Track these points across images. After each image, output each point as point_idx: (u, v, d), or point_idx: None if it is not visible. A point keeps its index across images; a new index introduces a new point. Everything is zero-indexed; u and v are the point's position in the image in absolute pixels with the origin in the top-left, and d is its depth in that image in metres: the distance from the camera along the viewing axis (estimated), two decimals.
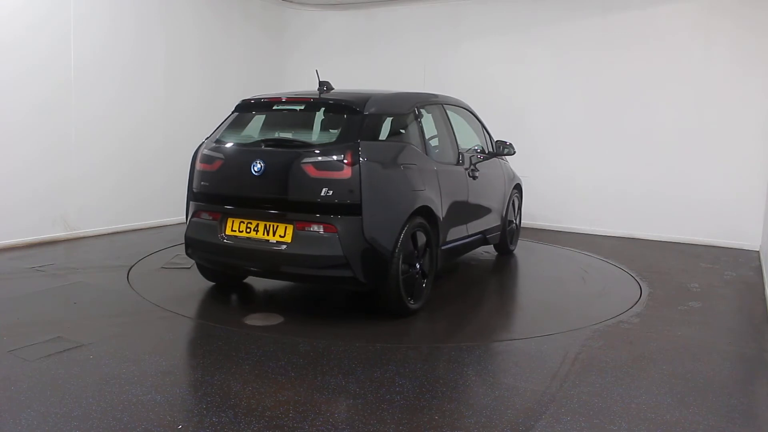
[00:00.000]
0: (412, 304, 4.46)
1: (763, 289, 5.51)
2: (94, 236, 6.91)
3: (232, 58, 8.72)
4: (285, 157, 4.24)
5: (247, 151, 4.44)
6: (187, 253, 4.80)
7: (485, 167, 5.82)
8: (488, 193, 5.89)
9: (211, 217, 4.50)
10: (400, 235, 4.25)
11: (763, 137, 7.16)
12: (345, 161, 4.06)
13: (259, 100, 4.84)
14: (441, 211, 4.78)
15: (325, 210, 4.07)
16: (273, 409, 2.97)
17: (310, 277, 4.32)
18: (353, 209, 4.04)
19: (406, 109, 4.85)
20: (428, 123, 5.21)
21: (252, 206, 4.33)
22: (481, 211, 5.77)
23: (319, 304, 4.92)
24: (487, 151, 6.03)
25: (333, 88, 4.99)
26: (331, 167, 4.08)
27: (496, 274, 6.03)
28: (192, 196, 4.69)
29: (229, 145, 4.60)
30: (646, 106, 7.70)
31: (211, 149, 4.62)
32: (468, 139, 5.98)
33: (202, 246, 4.58)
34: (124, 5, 7.13)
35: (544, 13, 8.22)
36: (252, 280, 5.33)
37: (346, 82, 8.91)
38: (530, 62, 8.35)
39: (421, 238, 4.53)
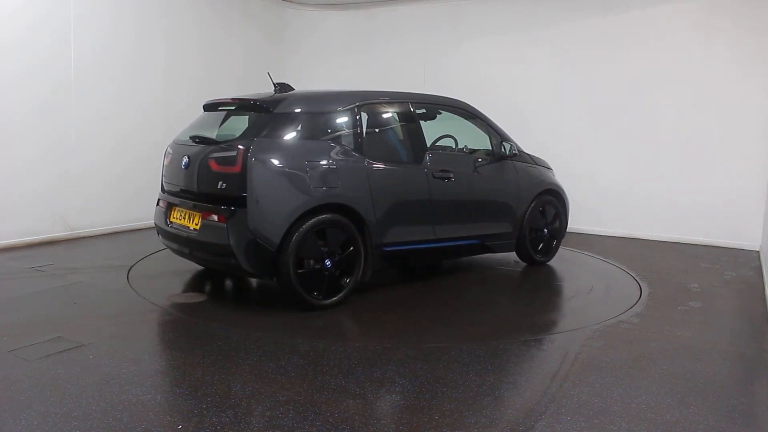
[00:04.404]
0: (320, 300, 4.54)
1: (763, 289, 5.51)
2: (94, 236, 6.91)
3: (232, 59, 8.72)
4: (199, 152, 4.66)
5: (182, 148, 4.93)
6: (159, 237, 5.23)
7: (486, 170, 5.65)
8: (484, 196, 5.66)
9: (164, 206, 5.05)
10: (292, 229, 4.36)
11: (763, 137, 7.16)
12: (237, 157, 4.35)
13: (213, 102, 5.26)
14: (372, 211, 4.77)
15: (221, 202, 4.43)
16: (273, 409, 2.97)
17: (211, 262, 4.79)
18: (241, 202, 4.31)
19: (337, 107, 4.86)
20: (378, 121, 5.14)
21: (181, 196, 4.85)
22: (470, 214, 5.55)
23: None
24: (495, 154, 5.76)
25: (292, 89, 5.20)
26: (226, 162, 4.42)
27: (496, 274, 6.01)
28: (160, 187, 5.26)
29: (177, 141, 5.12)
30: (646, 106, 7.70)
31: (170, 145, 5.19)
32: (464, 140, 5.93)
33: (159, 231, 5.12)
34: (124, 5, 7.13)
35: (544, 13, 8.22)
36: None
37: (347, 82, 8.94)
38: (530, 62, 8.35)
39: (337, 236, 4.58)
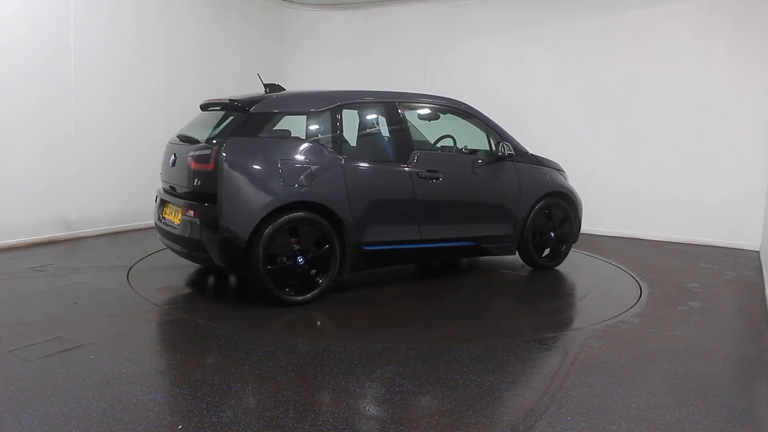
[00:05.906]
0: (293, 296, 4.61)
1: (763, 289, 5.51)
2: (94, 236, 6.91)
3: (232, 59, 8.72)
4: (183, 151, 4.79)
5: (172, 146, 5.08)
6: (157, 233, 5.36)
7: (483, 170, 5.56)
8: (479, 197, 5.55)
9: (158, 202, 5.20)
10: (262, 226, 4.45)
11: (763, 137, 7.16)
12: (210, 155, 4.49)
13: (207, 102, 5.35)
14: (350, 210, 4.79)
15: (196, 198, 4.60)
16: (273, 409, 2.97)
17: (189, 256, 4.87)
18: (213, 199, 4.46)
19: (315, 108, 4.90)
20: (359, 121, 5.21)
21: (170, 193, 5.01)
22: (463, 215, 5.47)
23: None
24: (493, 154, 5.65)
25: (282, 90, 5.29)
26: (201, 160, 4.56)
27: (498, 276, 6.01)
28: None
29: (171, 140, 5.21)
30: (646, 106, 7.70)
31: (166, 144, 5.28)
32: (466, 141, 5.91)
33: (156, 227, 5.24)
34: (124, 5, 7.13)
35: (544, 13, 8.22)
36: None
37: (347, 82, 8.95)
38: (530, 62, 8.35)
39: (310, 233, 4.63)
